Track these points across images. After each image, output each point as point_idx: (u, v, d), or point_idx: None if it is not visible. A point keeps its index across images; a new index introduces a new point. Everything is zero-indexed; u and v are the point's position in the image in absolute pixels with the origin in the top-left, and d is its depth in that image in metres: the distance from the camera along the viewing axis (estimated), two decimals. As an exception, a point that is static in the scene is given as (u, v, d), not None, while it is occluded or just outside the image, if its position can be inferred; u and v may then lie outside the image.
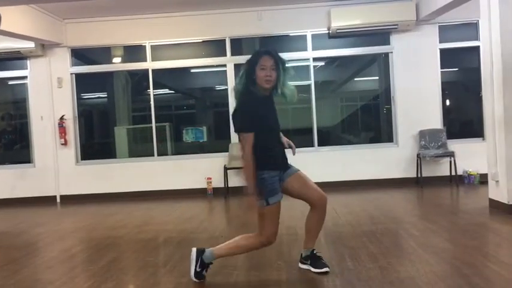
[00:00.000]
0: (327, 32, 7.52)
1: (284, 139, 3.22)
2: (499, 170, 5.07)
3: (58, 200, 7.73)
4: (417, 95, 7.46)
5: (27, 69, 7.85)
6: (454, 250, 3.76)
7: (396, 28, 7.27)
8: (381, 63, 8.06)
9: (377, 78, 8.47)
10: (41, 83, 7.75)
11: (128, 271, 3.70)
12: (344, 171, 7.51)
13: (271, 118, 3.06)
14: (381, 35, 7.54)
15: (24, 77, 7.92)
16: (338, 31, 7.28)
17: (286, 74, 3.00)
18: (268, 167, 2.94)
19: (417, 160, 7.32)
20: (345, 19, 7.21)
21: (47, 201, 7.61)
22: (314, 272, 3.18)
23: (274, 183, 2.95)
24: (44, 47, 7.61)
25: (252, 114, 2.92)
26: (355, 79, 8.82)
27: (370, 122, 8.60)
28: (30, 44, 7.34)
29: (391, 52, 7.56)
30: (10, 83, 8.37)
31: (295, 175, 3.09)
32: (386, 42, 7.59)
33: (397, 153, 7.52)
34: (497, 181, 5.11)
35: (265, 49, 3.02)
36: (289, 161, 3.13)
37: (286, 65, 3.00)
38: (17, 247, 4.66)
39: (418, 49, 7.45)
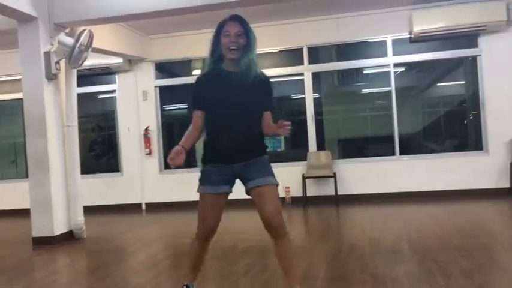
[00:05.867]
0: (409, 36, 7.24)
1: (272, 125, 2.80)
2: None
3: (143, 207, 8.08)
4: (510, 100, 6.95)
5: (115, 83, 8.33)
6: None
7: (485, 29, 6.83)
8: (468, 67, 7.62)
9: (463, 82, 8.02)
10: (128, 96, 8.18)
11: (211, 279, 3.76)
12: (428, 180, 7.16)
13: (226, 97, 2.63)
14: (467, 37, 7.10)
15: (113, 91, 8.41)
16: (421, 35, 6.98)
17: (254, 47, 2.65)
18: (206, 160, 2.70)
19: (511, 169, 6.81)
20: (427, 22, 6.90)
21: (133, 208, 7.99)
22: None
23: (208, 173, 2.70)
24: (131, 62, 8.04)
25: (198, 89, 2.72)
26: (439, 84, 8.40)
27: (455, 128, 8.14)
28: (119, 60, 7.79)
29: (479, 55, 7.11)
30: (100, 96, 8.91)
31: (258, 190, 2.63)
32: (474, 44, 7.14)
33: (487, 162, 7.03)
34: None
35: (232, 14, 2.64)
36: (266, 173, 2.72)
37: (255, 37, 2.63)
38: (108, 251, 4.94)
39: (511, 51, 6.95)
